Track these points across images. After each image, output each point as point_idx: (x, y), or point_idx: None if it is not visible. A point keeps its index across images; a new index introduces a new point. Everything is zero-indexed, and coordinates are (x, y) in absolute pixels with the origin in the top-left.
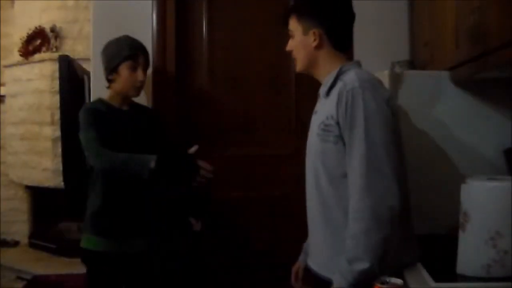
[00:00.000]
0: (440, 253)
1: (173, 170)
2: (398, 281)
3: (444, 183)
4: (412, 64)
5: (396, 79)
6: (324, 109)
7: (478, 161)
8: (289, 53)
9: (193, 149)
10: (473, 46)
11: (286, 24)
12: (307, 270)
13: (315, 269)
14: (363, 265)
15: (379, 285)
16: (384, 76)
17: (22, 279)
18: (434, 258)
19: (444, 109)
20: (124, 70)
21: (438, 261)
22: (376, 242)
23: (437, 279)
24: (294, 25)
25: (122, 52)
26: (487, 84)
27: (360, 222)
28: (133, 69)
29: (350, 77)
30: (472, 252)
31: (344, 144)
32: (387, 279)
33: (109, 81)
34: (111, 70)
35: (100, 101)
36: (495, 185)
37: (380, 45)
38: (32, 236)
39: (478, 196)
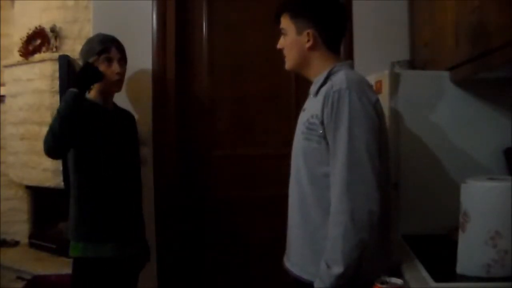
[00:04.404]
0: (440, 253)
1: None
2: (398, 281)
3: (444, 183)
4: (412, 64)
5: (396, 79)
6: (311, 108)
7: (478, 161)
8: (280, 51)
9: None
10: (473, 46)
11: (277, 21)
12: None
13: (290, 268)
14: (339, 269)
15: (379, 285)
16: (384, 76)
17: (22, 279)
18: (434, 258)
19: (444, 109)
20: (99, 65)
21: (438, 261)
22: (353, 246)
23: (437, 279)
24: (286, 24)
25: (94, 48)
26: (487, 84)
27: (339, 225)
28: (109, 62)
29: (339, 77)
30: (472, 252)
31: (327, 144)
32: (387, 279)
33: None
34: None
35: (85, 99)
36: (495, 185)
37: (380, 45)
38: (32, 236)
39: (478, 196)
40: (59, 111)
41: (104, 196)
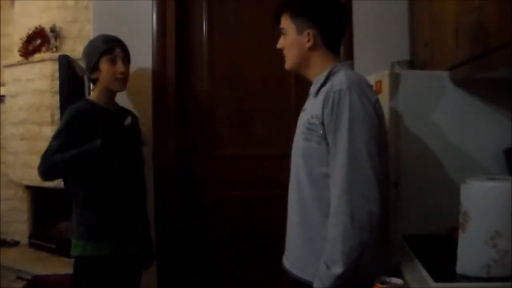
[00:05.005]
0: (440, 253)
1: (118, 141)
2: (398, 281)
3: (444, 183)
4: (412, 64)
5: (396, 79)
6: (311, 108)
7: (478, 161)
8: (280, 51)
9: (127, 121)
10: (473, 46)
11: (278, 21)
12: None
13: (289, 268)
14: (339, 269)
15: (379, 285)
16: (384, 76)
17: (22, 279)
18: (434, 258)
19: (444, 109)
20: (103, 64)
21: (438, 261)
22: (353, 246)
23: (437, 279)
24: (287, 24)
25: (99, 48)
26: (487, 84)
27: (338, 225)
28: (112, 62)
29: (339, 78)
30: (472, 252)
31: (327, 144)
32: (387, 279)
33: (93, 81)
34: (92, 68)
35: (86, 101)
36: (495, 185)
37: (380, 45)
38: (32, 236)
39: (478, 196)
40: (80, 155)
41: (105, 196)
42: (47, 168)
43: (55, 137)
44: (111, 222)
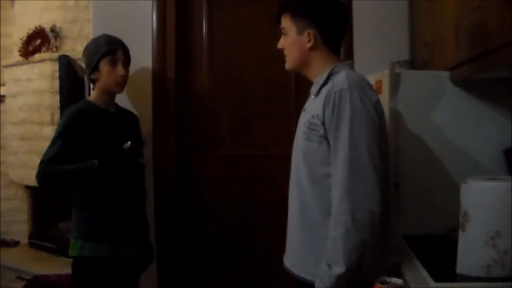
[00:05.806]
0: (440, 253)
1: (114, 166)
2: (398, 281)
3: (444, 183)
4: (412, 64)
5: (396, 79)
6: (312, 108)
7: (478, 161)
8: (280, 51)
9: (127, 145)
10: (473, 46)
11: (278, 21)
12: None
13: (290, 268)
14: (340, 269)
15: (379, 285)
16: (384, 76)
17: (22, 279)
18: (434, 258)
19: (444, 109)
20: (104, 66)
21: (438, 261)
22: (354, 246)
23: (437, 279)
24: (287, 24)
25: (100, 48)
26: (487, 84)
27: (339, 225)
28: (113, 64)
29: (340, 78)
30: (472, 252)
31: (328, 144)
32: (387, 279)
33: (92, 81)
34: (92, 69)
35: (86, 101)
36: (495, 185)
37: (380, 45)
38: (32, 236)
39: (478, 196)
40: (77, 171)
41: (104, 197)
42: (43, 179)
43: (55, 139)
44: (110, 223)
